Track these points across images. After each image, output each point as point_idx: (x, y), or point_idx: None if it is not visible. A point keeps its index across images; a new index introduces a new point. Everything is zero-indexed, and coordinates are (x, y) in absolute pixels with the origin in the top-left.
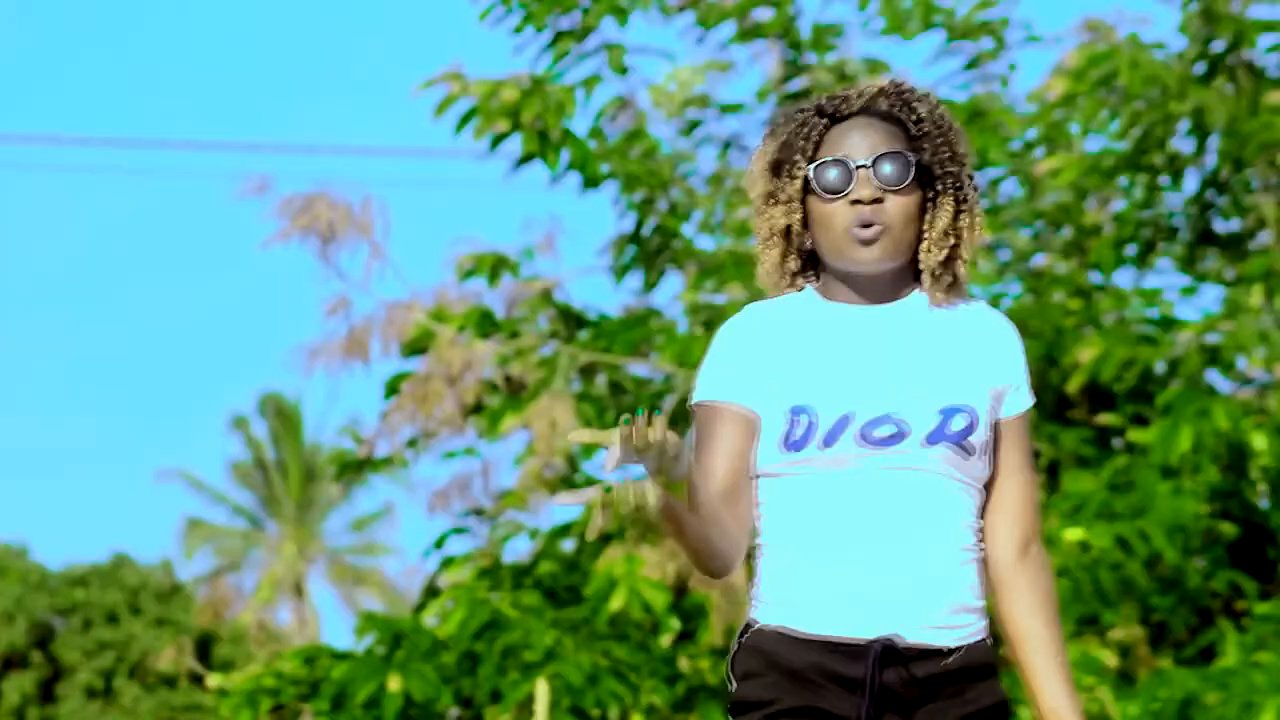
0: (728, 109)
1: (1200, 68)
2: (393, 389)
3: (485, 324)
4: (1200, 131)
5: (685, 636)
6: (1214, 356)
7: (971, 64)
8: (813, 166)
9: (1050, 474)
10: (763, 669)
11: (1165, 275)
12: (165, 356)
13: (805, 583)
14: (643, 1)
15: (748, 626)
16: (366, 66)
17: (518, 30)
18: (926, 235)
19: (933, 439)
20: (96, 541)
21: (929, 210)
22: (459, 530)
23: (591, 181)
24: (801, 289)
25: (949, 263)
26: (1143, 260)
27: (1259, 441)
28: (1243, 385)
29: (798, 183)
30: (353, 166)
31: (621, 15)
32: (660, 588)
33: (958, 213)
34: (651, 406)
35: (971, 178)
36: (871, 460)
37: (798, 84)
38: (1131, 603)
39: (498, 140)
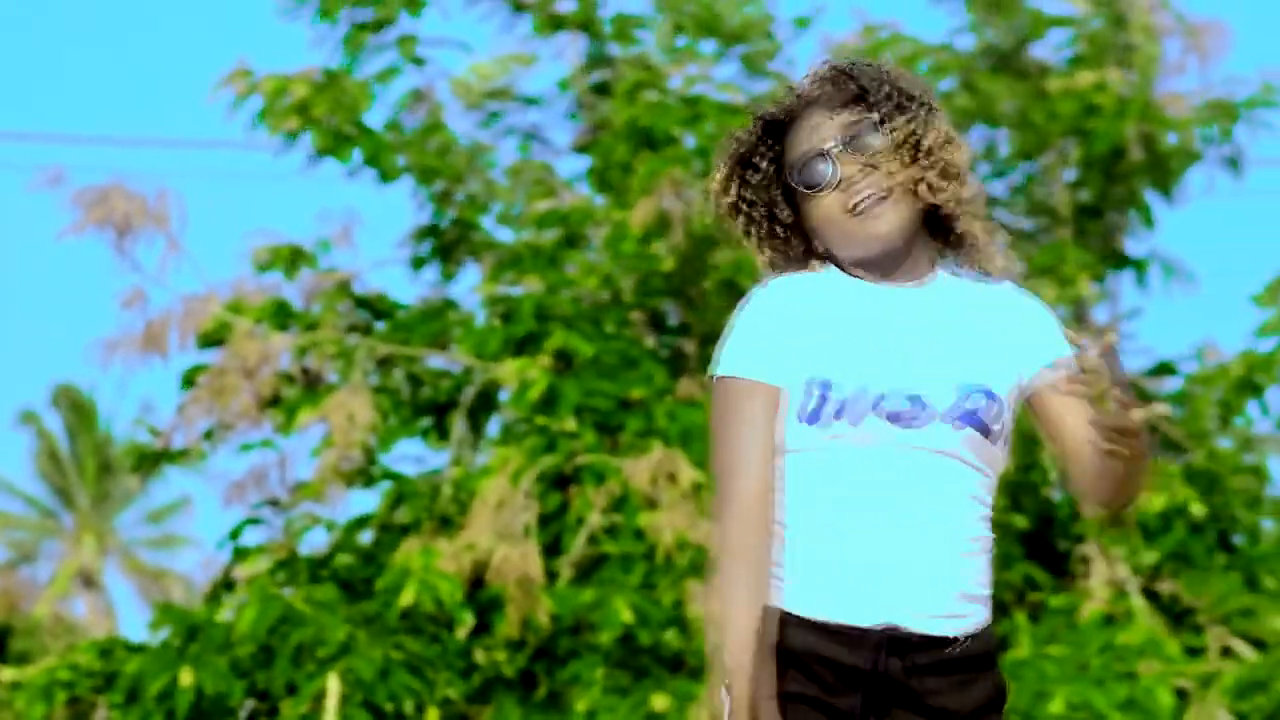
0: (529, 101)
1: (987, 63)
2: (190, 381)
3: (282, 316)
4: (989, 123)
5: (481, 629)
6: None
7: (749, 63)
8: (791, 171)
9: None
10: (786, 660)
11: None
12: None
13: (814, 565)
14: None
15: (772, 610)
16: (162, 57)
17: (314, 22)
18: (921, 174)
19: (949, 417)
20: None
21: (913, 157)
22: (255, 522)
23: (386, 175)
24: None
25: (952, 221)
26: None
27: None
28: None
29: (774, 199)
30: (148, 158)
31: (415, 6)
32: (454, 581)
33: (920, 160)
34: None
35: (927, 123)
36: (891, 438)
37: (599, 76)
38: None
39: (291, 137)
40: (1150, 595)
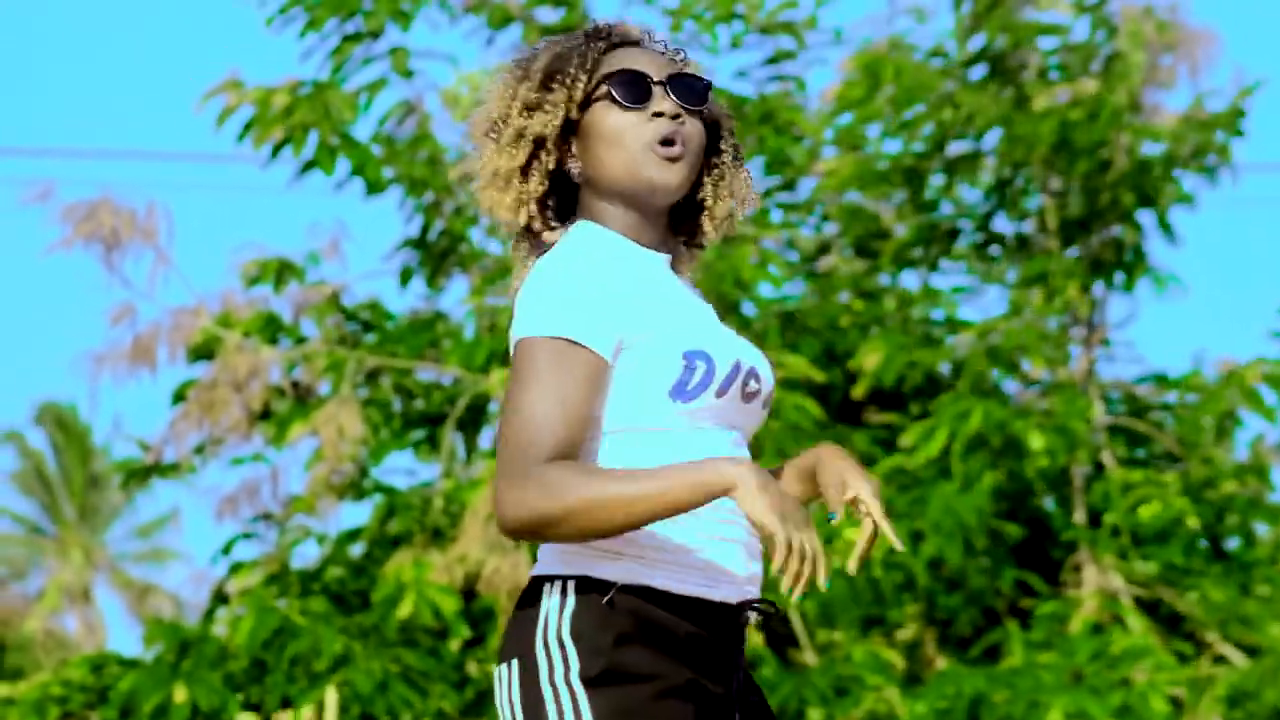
0: None
1: (978, 71)
2: (180, 396)
3: (272, 329)
4: (976, 135)
5: (474, 641)
6: (996, 357)
7: (772, 60)
8: (608, 77)
9: None
10: (637, 633)
11: (951, 277)
12: None
13: (681, 538)
14: (425, 0)
15: (601, 584)
16: (150, 71)
17: (301, 35)
18: (709, 181)
19: (766, 403)
20: None
21: (714, 165)
22: (248, 536)
23: (374, 186)
24: (538, 218)
25: (727, 223)
26: (932, 264)
27: (1035, 442)
28: (1027, 386)
29: (572, 93)
30: (137, 171)
31: (404, 19)
32: (449, 593)
33: (738, 173)
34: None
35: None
36: (742, 414)
37: None
38: (917, 602)
39: (278, 147)
40: (1142, 601)
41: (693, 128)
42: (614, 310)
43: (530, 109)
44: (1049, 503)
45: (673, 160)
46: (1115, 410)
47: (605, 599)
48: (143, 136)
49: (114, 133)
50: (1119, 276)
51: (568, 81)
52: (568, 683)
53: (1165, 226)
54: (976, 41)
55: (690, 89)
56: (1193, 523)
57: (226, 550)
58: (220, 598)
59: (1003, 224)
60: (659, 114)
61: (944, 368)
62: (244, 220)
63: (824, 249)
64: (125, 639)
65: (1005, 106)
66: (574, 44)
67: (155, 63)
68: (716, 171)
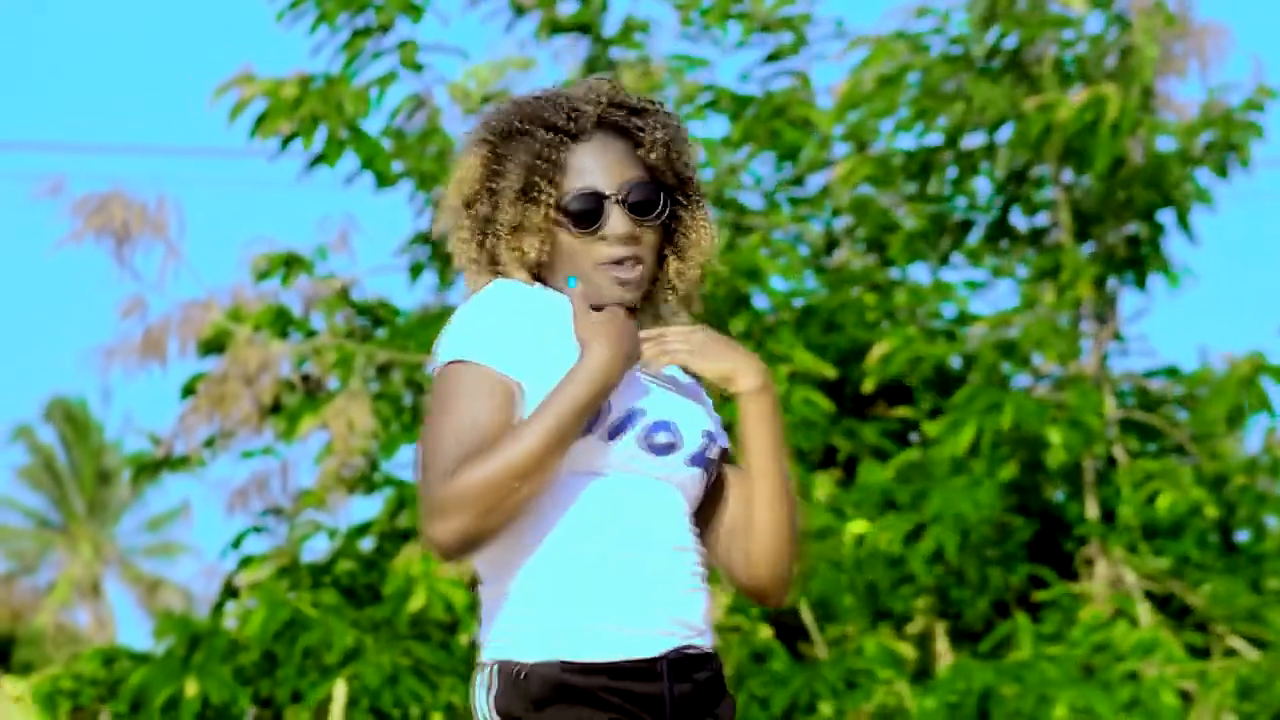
0: None
1: (993, 63)
2: (190, 390)
3: (282, 323)
4: (989, 127)
5: None
6: (1009, 351)
7: (772, 57)
8: (561, 202)
9: (847, 469)
10: (556, 696)
11: (962, 271)
12: None
13: (581, 606)
14: None
15: (512, 669)
16: (160, 64)
17: (312, 29)
18: (675, 256)
19: (694, 461)
20: None
21: (674, 231)
22: (258, 529)
23: (383, 180)
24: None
25: (700, 280)
26: (943, 258)
27: (1054, 436)
28: (1038, 380)
29: (546, 210)
30: (147, 166)
31: (416, 12)
32: (459, 586)
33: (703, 227)
34: None
35: (699, 185)
36: (646, 466)
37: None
38: (928, 595)
39: (287, 140)
40: (1153, 595)
41: (649, 237)
42: (520, 342)
43: (520, 231)
44: (1059, 495)
45: (626, 280)
46: (1126, 404)
47: (523, 675)
48: (152, 131)
49: (124, 128)
50: (1134, 273)
51: (542, 199)
52: None
53: (1185, 225)
54: (992, 35)
55: (647, 201)
56: (1211, 513)
57: (237, 544)
58: (230, 591)
59: (1016, 217)
60: (606, 237)
61: (955, 362)
62: (254, 214)
63: (832, 244)
64: (135, 633)
65: (1019, 100)
66: (540, 148)
67: (164, 57)
68: (679, 244)
